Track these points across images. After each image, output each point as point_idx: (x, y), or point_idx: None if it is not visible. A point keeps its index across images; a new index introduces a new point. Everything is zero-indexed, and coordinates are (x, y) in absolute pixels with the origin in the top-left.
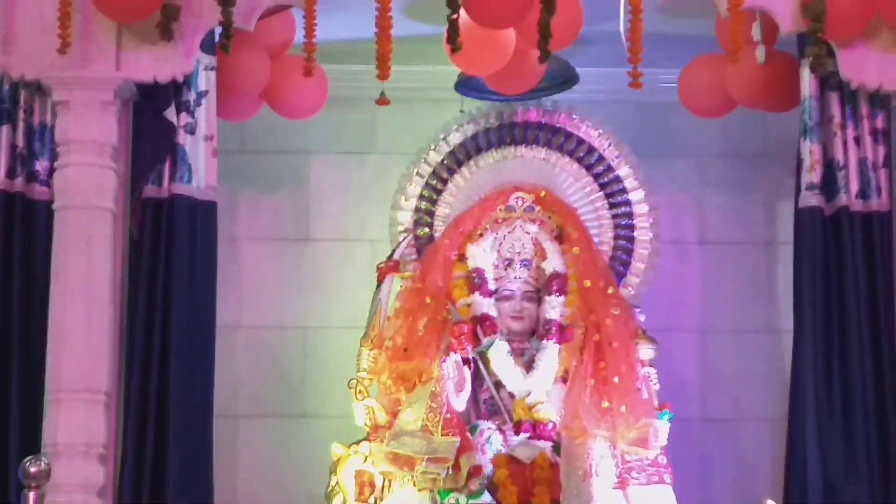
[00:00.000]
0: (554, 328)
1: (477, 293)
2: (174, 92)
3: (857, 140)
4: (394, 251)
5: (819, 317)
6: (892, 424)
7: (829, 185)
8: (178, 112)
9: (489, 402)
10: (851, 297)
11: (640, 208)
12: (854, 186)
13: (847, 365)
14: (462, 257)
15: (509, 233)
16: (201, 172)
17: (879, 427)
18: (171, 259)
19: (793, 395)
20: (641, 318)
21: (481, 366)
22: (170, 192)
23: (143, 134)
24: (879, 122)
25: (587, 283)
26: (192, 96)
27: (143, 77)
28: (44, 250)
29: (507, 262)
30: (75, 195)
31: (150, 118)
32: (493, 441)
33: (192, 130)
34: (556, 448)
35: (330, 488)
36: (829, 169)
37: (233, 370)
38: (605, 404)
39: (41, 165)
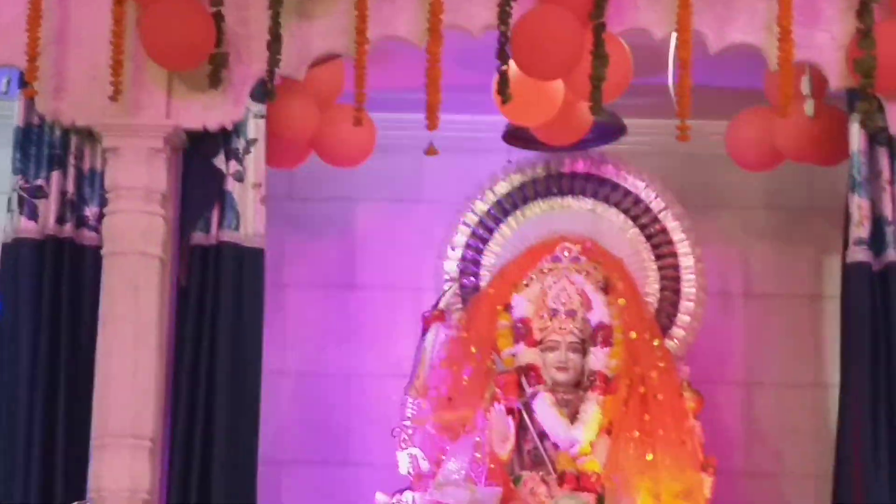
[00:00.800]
0: (599, 379)
1: (522, 343)
2: (223, 139)
3: None
4: (439, 300)
5: (866, 372)
6: None
7: (877, 240)
8: (228, 159)
9: (533, 452)
10: None
11: (686, 260)
12: None
13: (894, 421)
14: (507, 307)
15: (555, 283)
16: (249, 219)
17: None
18: (218, 306)
19: (838, 452)
20: (686, 370)
21: (525, 416)
22: (218, 240)
23: (192, 181)
24: None
25: (633, 334)
26: (241, 144)
27: (192, 125)
28: (92, 296)
29: (552, 313)
30: (124, 241)
31: (199, 165)
32: (537, 492)
33: (240, 178)
34: (601, 500)
35: None
36: (878, 224)
37: (277, 417)
38: (650, 457)
39: (90, 211)
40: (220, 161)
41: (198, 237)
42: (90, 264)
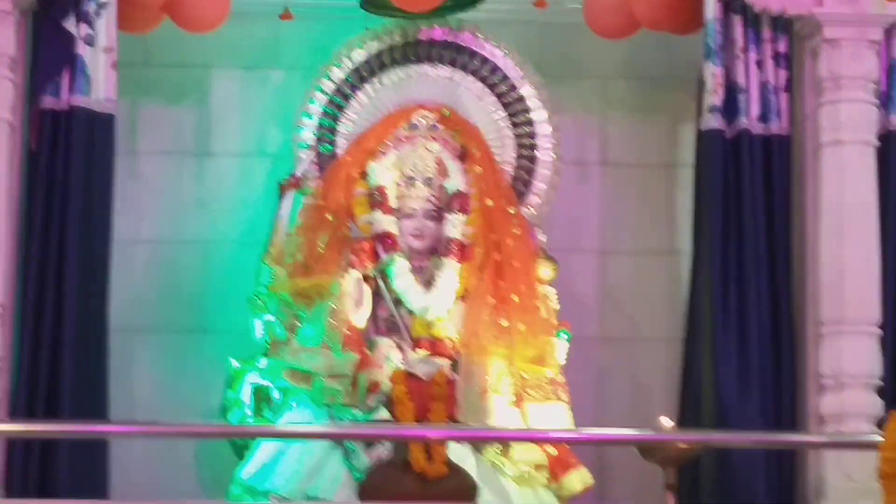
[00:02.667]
0: (454, 247)
1: (378, 211)
2: (74, 1)
3: (760, 64)
4: (296, 167)
5: (717, 238)
6: (786, 347)
7: (730, 107)
8: (78, 22)
9: (388, 319)
10: (749, 220)
11: (543, 128)
12: (755, 110)
13: (743, 286)
14: (364, 175)
15: (412, 151)
16: (101, 85)
17: (774, 349)
18: (69, 171)
19: (689, 317)
20: (542, 238)
21: (381, 283)
22: (68, 104)
23: (41, 44)
24: (782, 47)
25: (489, 202)
26: (91, 6)
27: None
28: None
29: (409, 181)
30: None
31: (49, 28)
32: (391, 358)
33: (91, 42)
34: (455, 365)
35: (227, 402)
36: (731, 92)
37: (131, 284)
38: (504, 323)
39: None
40: (70, 24)
41: (48, 101)
42: None
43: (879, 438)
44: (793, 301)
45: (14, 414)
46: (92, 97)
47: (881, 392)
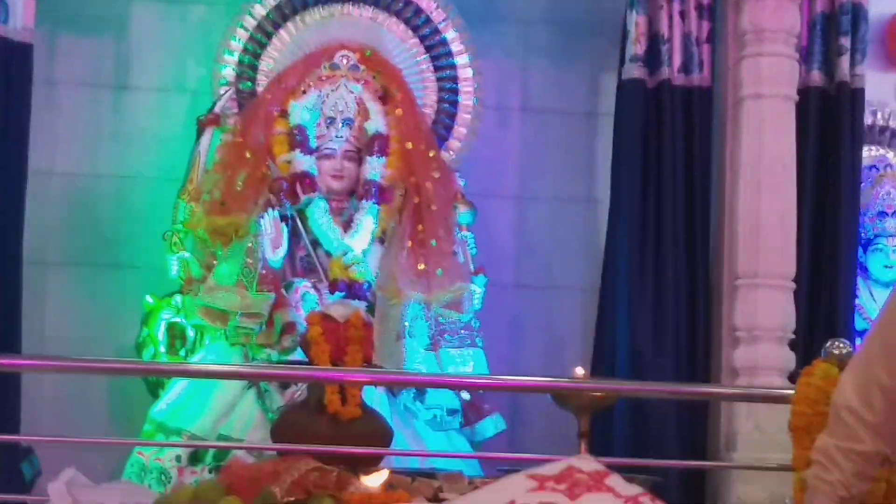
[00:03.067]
0: (374, 189)
1: (298, 150)
2: None
3: (683, 14)
4: (215, 104)
5: (636, 188)
6: (701, 299)
7: (652, 57)
8: None
9: (306, 259)
10: (668, 171)
11: (465, 72)
12: (677, 60)
13: (660, 237)
14: (284, 113)
15: (333, 91)
16: (18, 13)
17: (688, 301)
18: None
19: (605, 266)
20: (461, 182)
21: (299, 223)
22: None
23: None
24: None
25: (409, 145)
26: None
27: None
28: None
29: (329, 121)
30: None
31: None
32: (307, 299)
33: None
34: (371, 308)
35: (141, 339)
36: (654, 42)
37: (44, 217)
38: (422, 266)
39: None
40: None
41: None
42: None
43: (791, 392)
44: (709, 253)
45: None
46: (9, 25)
47: (793, 346)
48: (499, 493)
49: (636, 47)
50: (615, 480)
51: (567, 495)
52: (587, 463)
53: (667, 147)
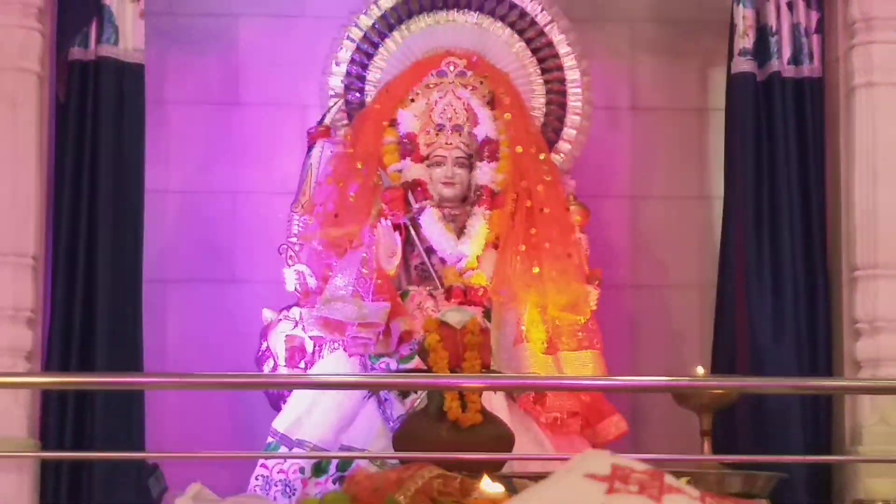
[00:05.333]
0: (485, 194)
1: (408, 158)
2: None
3: (790, 5)
4: (324, 116)
5: (749, 182)
6: (820, 291)
7: (761, 50)
8: None
9: (420, 267)
10: (782, 164)
11: (572, 74)
12: (786, 52)
13: (776, 231)
14: (393, 122)
15: (441, 98)
16: (128, 34)
17: (807, 294)
18: (98, 122)
19: (722, 262)
20: (572, 183)
21: (412, 232)
22: (96, 55)
23: None
24: None
25: (519, 148)
26: None
27: None
28: None
29: (438, 128)
30: (0, 56)
31: None
32: (424, 307)
33: None
34: (487, 313)
35: (260, 353)
36: (762, 35)
37: (162, 235)
38: (536, 270)
39: None
40: None
41: (76, 52)
42: None
43: None
44: (826, 245)
45: (48, 366)
46: (120, 47)
47: None
48: (569, 497)
49: (744, 41)
50: (670, 481)
51: (652, 497)
52: (629, 463)
53: (779, 140)
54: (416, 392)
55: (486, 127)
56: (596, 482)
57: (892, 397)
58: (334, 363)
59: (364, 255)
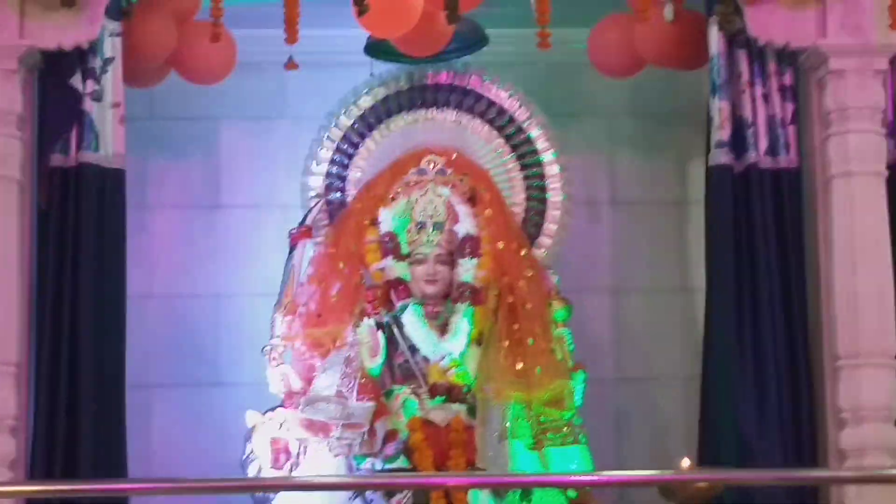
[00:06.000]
0: (467, 291)
1: (390, 257)
2: (80, 59)
3: (766, 97)
4: (306, 216)
5: (730, 274)
6: (804, 381)
7: (738, 142)
8: (85, 79)
9: (404, 366)
10: (762, 254)
11: (552, 169)
12: (763, 143)
13: (758, 321)
14: (374, 221)
15: (421, 196)
16: (109, 140)
17: (791, 384)
18: (80, 228)
19: (705, 354)
20: (555, 278)
21: (395, 330)
22: (77, 161)
23: (48, 102)
24: (787, 79)
25: (500, 244)
26: (97, 63)
27: (47, 44)
28: None
29: (419, 226)
30: None
31: (56, 86)
32: (408, 405)
33: (98, 98)
34: (472, 410)
35: (245, 456)
36: (739, 126)
37: (145, 340)
38: (520, 366)
39: None
40: (76, 81)
41: (57, 159)
42: None
43: None
44: (809, 334)
45: (32, 474)
46: (101, 153)
47: None
48: None
49: (721, 133)
50: None
51: None
52: None
53: (758, 230)
54: (401, 491)
55: (466, 224)
56: None
57: (878, 487)
58: (319, 464)
59: (348, 354)
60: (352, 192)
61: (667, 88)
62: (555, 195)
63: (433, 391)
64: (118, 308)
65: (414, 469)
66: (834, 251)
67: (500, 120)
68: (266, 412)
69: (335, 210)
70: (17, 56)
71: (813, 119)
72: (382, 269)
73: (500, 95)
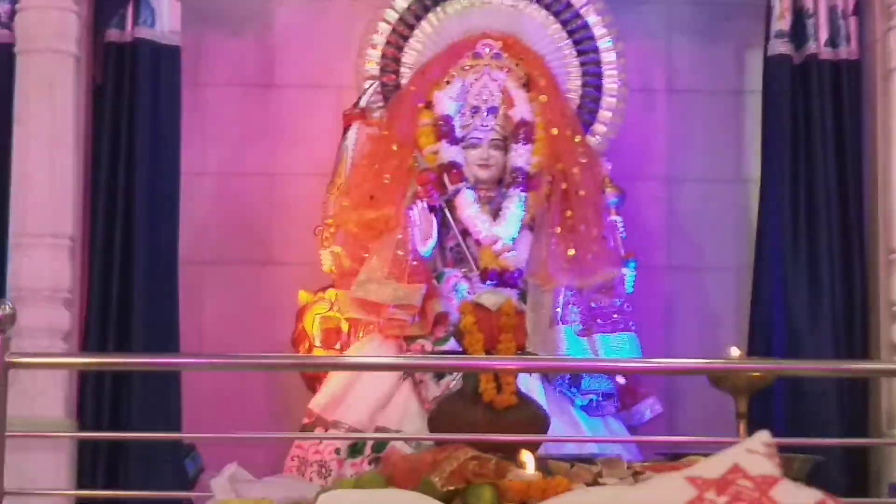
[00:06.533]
0: (521, 176)
1: (444, 141)
2: None
3: None
4: (360, 98)
5: (786, 166)
6: (858, 274)
7: (798, 33)
8: None
9: (456, 249)
10: (819, 146)
11: (608, 56)
12: (823, 34)
13: (813, 213)
14: (429, 105)
15: (476, 80)
16: (165, 16)
17: (845, 277)
18: (135, 104)
19: (758, 245)
20: (608, 166)
21: (448, 214)
22: (133, 36)
23: None
24: None
25: (554, 131)
26: None
27: None
28: (6, 95)
29: (474, 110)
30: (37, 39)
31: None
32: (459, 288)
33: None
34: (523, 296)
35: (296, 335)
36: (799, 17)
37: (198, 217)
38: (572, 252)
39: (2, 8)
40: None
41: (113, 34)
42: (3, 62)
43: None
44: (864, 228)
45: (85, 347)
46: (156, 29)
47: None
48: (652, 498)
49: (781, 23)
50: (783, 490)
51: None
52: (755, 461)
53: (816, 122)
54: (451, 374)
55: (521, 109)
56: (689, 486)
57: None
58: (370, 345)
59: (399, 236)
60: (406, 74)
61: None
62: (610, 82)
63: (484, 275)
64: (172, 184)
65: (464, 352)
66: (892, 144)
67: (556, 5)
68: (317, 292)
69: (390, 92)
70: None
71: (875, 10)
72: (436, 153)
73: None
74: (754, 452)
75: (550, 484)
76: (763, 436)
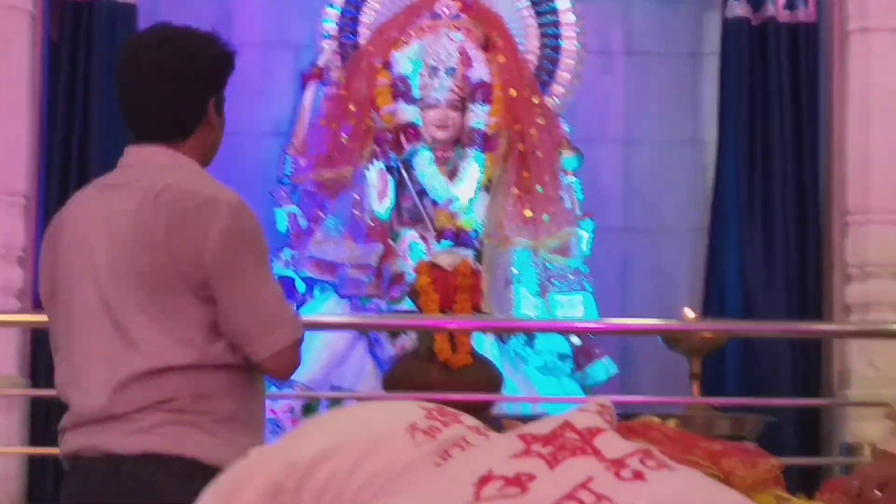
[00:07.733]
0: (478, 137)
1: (401, 101)
2: None
3: None
4: (318, 58)
5: (742, 128)
6: (812, 236)
7: None
8: None
9: (412, 209)
10: (775, 108)
11: (567, 17)
12: None
13: (768, 175)
14: (387, 65)
15: (435, 40)
16: None
17: (799, 238)
18: (91, 62)
19: (714, 207)
20: (566, 128)
21: (404, 174)
22: None
23: None
24: None
25: (512, 92)
26: None
27: None
28: None
29: (432, 71)
30: None
31: None
32: (415, 249)
33: None
34: (478, 256)
35: None
36: None
37: None
38: (528, 213)
39: None
40: None
41: None
42: None
43: None
44: (819, 190)
45: (39, 305)
46: None
47: None
48: (481, 456)
49: None
50: (606, 440)
51: (548, 462)
52: (585, 418)
53: (773, 85)
54: (406, 333)
55: (479, 70)
56: (518, 441)
57: (880, 341)
58: (326, 304)
59: (356, 196)
60: (365, 34)
61: None
62: (569, 44)
63: (440, 235)
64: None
65: (420, 312)
66: (848, 107)
67: None
68: (273, 251)
69: (347, 52)
70: None
71: None
72: (393, 113)
73: None
74: (586, 411)
75: None
76: (602, 399)
